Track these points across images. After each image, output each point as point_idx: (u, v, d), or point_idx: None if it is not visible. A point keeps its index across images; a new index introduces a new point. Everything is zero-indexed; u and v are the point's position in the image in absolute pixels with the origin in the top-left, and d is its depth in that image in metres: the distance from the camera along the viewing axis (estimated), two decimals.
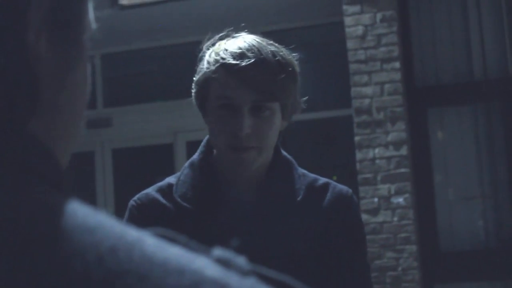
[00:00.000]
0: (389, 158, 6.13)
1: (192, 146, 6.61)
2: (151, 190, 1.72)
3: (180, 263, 0.46)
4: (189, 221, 1.64)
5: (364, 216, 6.12)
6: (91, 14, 0.60)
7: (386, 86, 6.19)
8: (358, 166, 6.19)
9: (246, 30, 1.73)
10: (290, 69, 1.66)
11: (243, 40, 1.66)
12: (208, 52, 1.68)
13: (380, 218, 6.09)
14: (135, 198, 1.71)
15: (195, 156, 1.76)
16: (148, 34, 7.36)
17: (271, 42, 1.69)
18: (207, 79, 1.66)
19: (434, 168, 6.37)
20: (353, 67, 6.26)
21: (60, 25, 0.55)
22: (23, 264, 0.43)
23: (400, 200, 6.07)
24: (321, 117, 7.33)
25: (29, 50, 0.53)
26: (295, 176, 1.74)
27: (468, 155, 6.38)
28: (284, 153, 1.78)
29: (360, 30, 6.26)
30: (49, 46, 0.54)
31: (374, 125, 6.18)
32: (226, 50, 1.64)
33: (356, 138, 6.21)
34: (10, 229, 0.45)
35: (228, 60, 1.62)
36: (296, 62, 1.70)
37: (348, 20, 6.29)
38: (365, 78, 6.23)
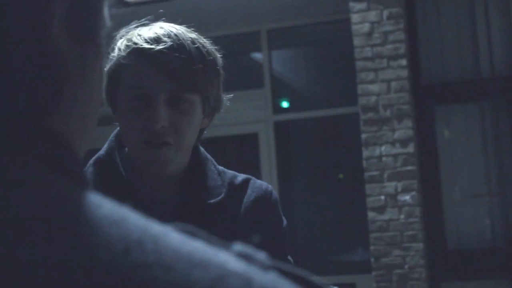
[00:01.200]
0: (395, 156, 6.11)
1: None
2: None
3: (205, 256, 0.46)
4: None
5: (371, 214, 6.11)
6: (106, 10, 0.60)
7: (393, 83, 6.17)
8: (364, 163, 6.18)
9: (164, 19, 1.59)
10: (211, 58, 1.51)
11: (160, 27, 1.50)
12: (120, 40, 1.52)
13: (386, 216, 6.08)
14: None
15: (102, 152, 1.58)
16: None
17: (192, 30, 1.54)
18: (117, 68, 1.49)
19: (441, 165, 6.36)
20: (359, 64, 6.25)
21: (79, 19, 0.56)
22: (50, 254, 0.44)
23: (407, 197, 6.06)
24: (328, 114, 7.32)
25: (53, 44, 0.53)
26: (215, 174, 1.60)
27: (475, 153, 6.36)
28: (202, 150, 1.65)
29: (366, 27, 6.25)
30: (68, 41, 0.54)
31: (380, 122, 6.17)
32: (140, 35, 1.48)
33: (363, 136, 6.20)
34: (37, 221, 0.45)
35: (141, 45, 1.46)
36: (219, 56, 1.56)
37: (354, 17, 6.28)
38: (371, 75, 6.22)
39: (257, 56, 7.45)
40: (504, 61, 6.38)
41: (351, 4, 6.28)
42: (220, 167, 1.64)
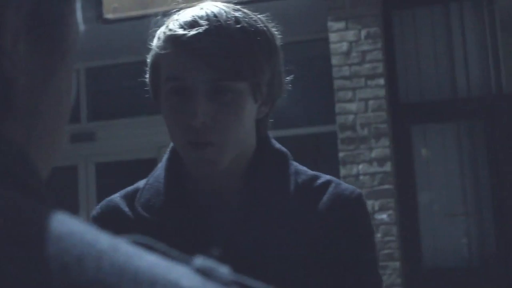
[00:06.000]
0: (373, 175, 6.13)
1: None
2: (117, 196, 1.42)
3: (154, 274, 0.42)
4: (151, 234, 1.34)
5: None
6: (79, 16, 0.57)
7: (370, 102, 6.20)
8: None
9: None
10: (259, 38, 1.31)
11: (200, 7, 1.31)
12: (161, 27, 1.36)
13: None
14: (98, 205, 1.42)
15: (165, 154, 1.45)
16: (133, 48, 7.34)
17: (239, 8, 1.34)
18: (156, 59, 1.33)
19: (418, 184, 6.38)
20: (337, 83, 6.28)
21: (41, 28, 0.53)
22: None
23: (384, 216, 6.07)
24: (305, 133, 7.33)
25: (4, 54, 0.50)
26: (286, 174, 1.39)
27: (452, 172, 6.39)
28: (277, 145, 1.45)
29: (344, 46, 6.28)
30: (28, 50, 0.52)
31: (358, 141, 6.19)
32: (177, 20, 1.31)
33: (340, 154, 6.22)
34: None
35: (175, 31, 1.28)
36: (274, 32, 1.37)
37: (333, 37, 6.31)
38: (349, 94, 6.25)
39: None
40: (480, 81, 6.43)
41: (329, 23, 6.32)
42: (300, 166, 1.44)
